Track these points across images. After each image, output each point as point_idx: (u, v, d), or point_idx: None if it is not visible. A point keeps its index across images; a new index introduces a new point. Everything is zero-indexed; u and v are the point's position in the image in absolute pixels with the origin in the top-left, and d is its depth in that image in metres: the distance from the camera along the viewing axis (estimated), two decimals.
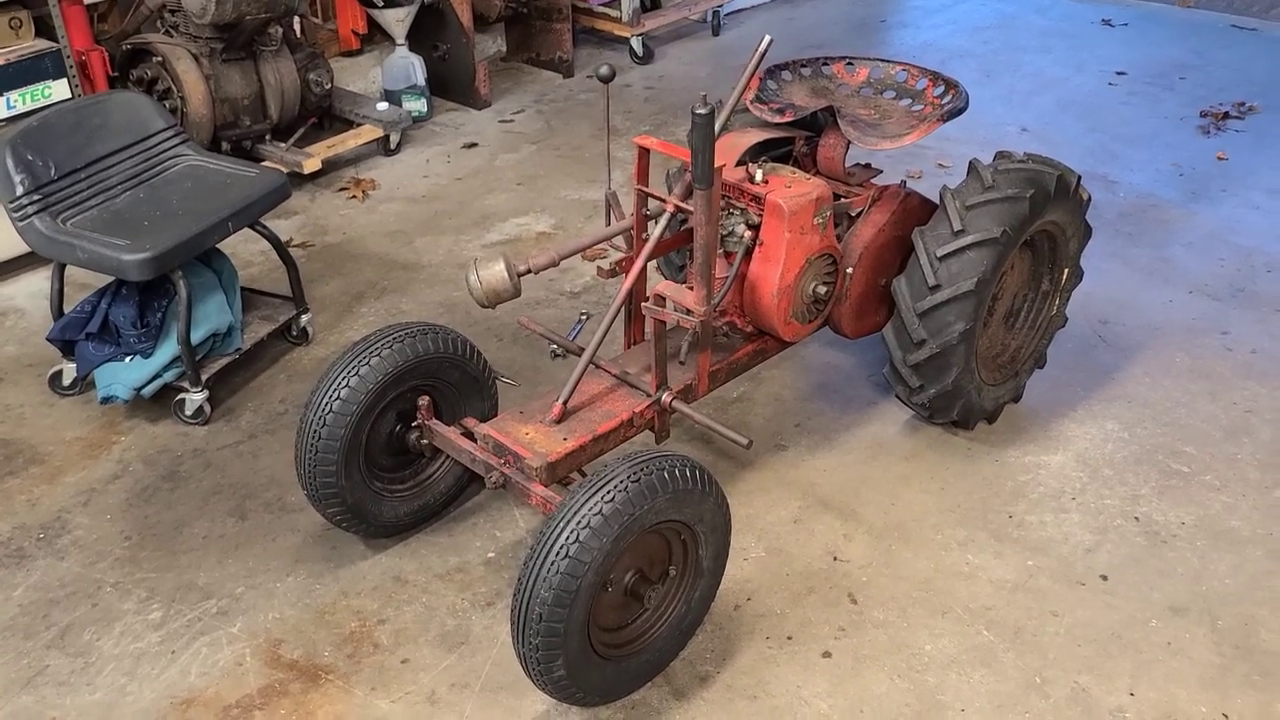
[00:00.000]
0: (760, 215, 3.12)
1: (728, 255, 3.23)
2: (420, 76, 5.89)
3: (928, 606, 2.96)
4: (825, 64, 3.70)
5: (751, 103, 3.48)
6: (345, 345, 3.55)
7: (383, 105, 5.55)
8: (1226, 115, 5.95)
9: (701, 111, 2.49)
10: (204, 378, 3.65)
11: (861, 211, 3.40)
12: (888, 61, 3.68)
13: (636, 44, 6.75)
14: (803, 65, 3.69)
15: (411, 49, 5.89)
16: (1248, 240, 4.77)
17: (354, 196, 5.20)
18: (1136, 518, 3.28)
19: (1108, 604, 2.99)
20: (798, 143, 3.53)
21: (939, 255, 3.19)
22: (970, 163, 3.32)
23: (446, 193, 5.27)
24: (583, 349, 3.04)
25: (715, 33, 7.29)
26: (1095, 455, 3.52)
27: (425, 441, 3.07)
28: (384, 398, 2.93)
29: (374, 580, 3.07)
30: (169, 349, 3.60)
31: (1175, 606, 2.98)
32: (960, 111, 3.36)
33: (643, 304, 2.95)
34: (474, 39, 6.03)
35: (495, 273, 2.93)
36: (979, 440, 3.57)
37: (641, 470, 2.45)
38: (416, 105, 5.89)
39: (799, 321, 3.25)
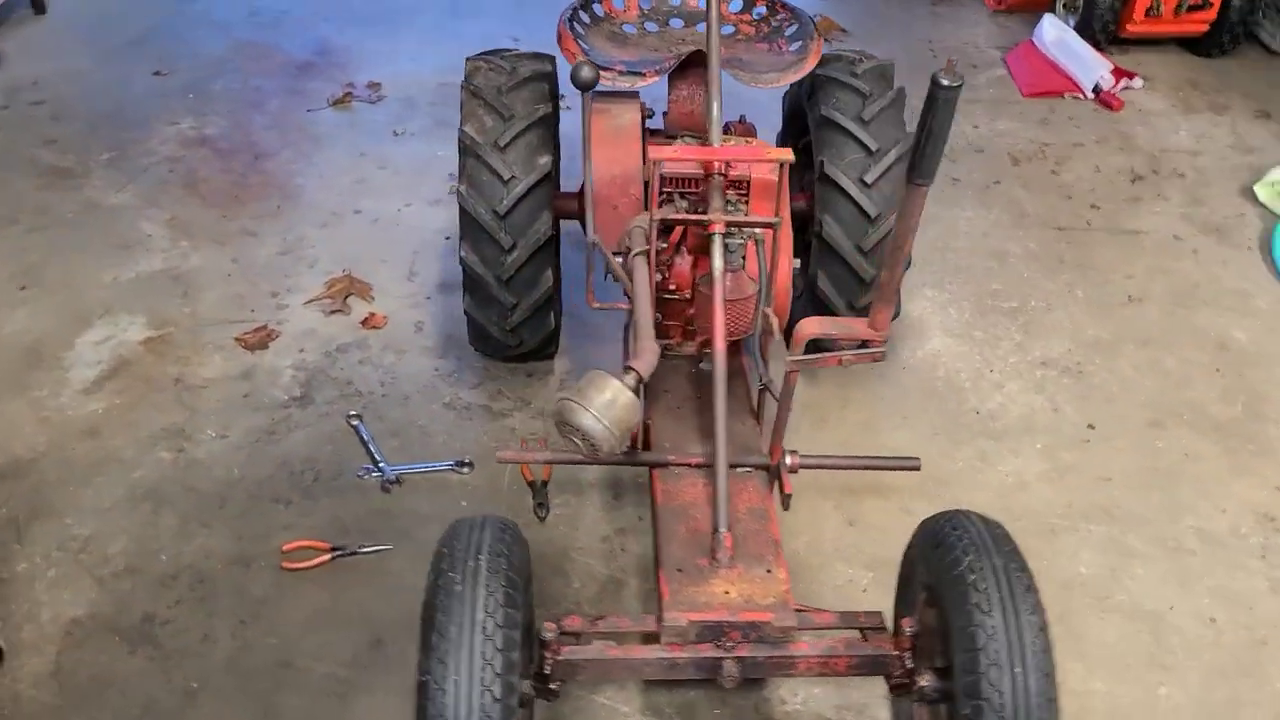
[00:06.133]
0: (743, 197, 2.49)
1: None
2: None
3: None
4: (594, 3, 3.00)
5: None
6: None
7: None
8: None
9: (949, 84, 1.82)
10: None
11: None
12: None
13: None
14: (580, 10, 2.94)
15: None
16: None
17: None
18: None
19: None
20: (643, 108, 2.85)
21: (869, 182, 2.87)
22: (819, 78, 2.96)
23: None
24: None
25: (41, 9, 5.43)
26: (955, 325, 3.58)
27: (554, 684, 2.02)
28: None
29: None
30: None
31: None
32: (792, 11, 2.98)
33: (789, 359, 2.19)
34: None
35: (622, 403, 1.95)
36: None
37: (990, 530, 1.99)
38: None
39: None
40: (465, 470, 2.96)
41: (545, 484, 2.90)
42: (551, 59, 3.01)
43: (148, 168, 4.28)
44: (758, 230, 2.40)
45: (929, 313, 3.61)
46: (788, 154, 2.22)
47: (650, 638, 2.08)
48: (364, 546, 2.73)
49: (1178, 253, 4.00)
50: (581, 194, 3.16)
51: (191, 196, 4.11)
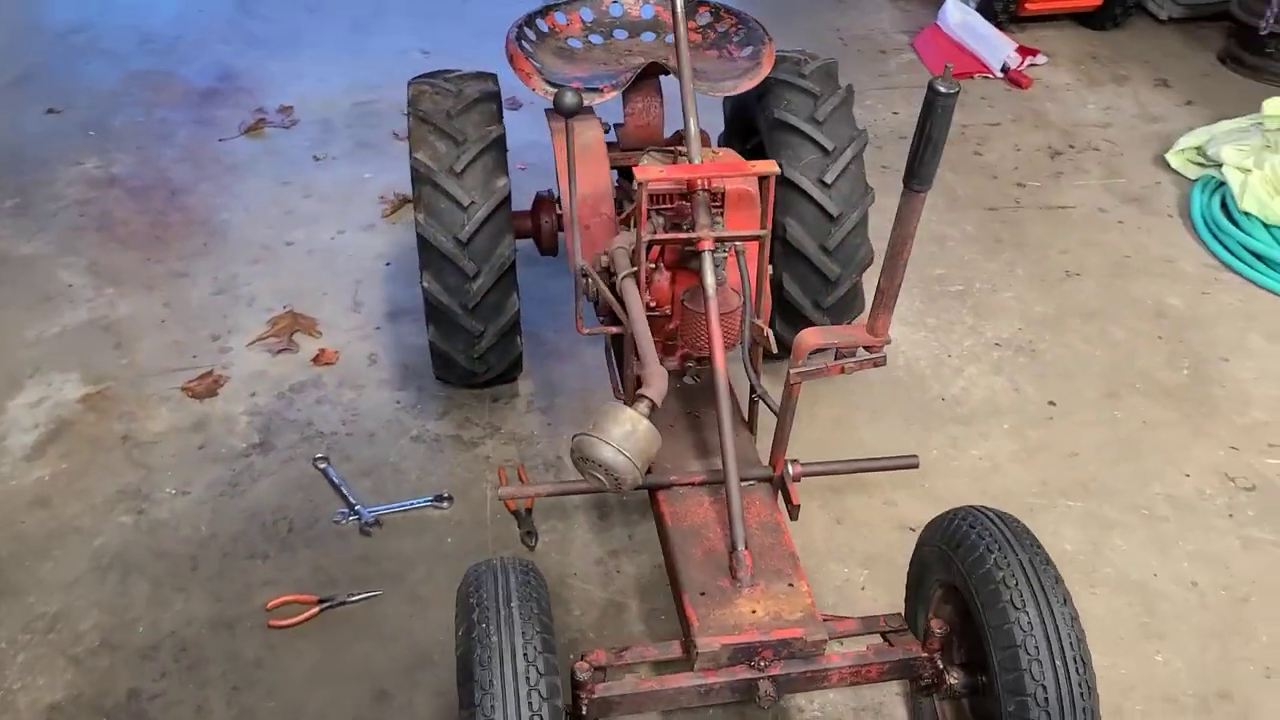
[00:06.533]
0: (719, 210, 2.47)
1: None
2: None
3: None
4: (537, 19, 2.94)
5: (547, 91, 2.66)
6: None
7: None
8: None
9: (946, 90, 1.83)
10: None
11: None
12: None
13: None
14: (525, 28, 2.89)
15: None
16: None
17: None
18: None
19: None
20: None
21: (829, 182, 2.88)
22: (768, 80, 2.95)
23: None
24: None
25: None
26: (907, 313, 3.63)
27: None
28: None
29: None
30: None
31: None
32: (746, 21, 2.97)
33: (792, 372, 2.17)
34: None
35: (641, 433, 1.91)
36: None
37: (1009, 525, 2.01)
38: None
39: None
40: (445, 505, 2.89)
41: (529, 512, 2.85)
42: (494, 77, 2.95)
43: (57, 213, 4.07)
44: (738, 242, 2.38)
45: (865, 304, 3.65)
46: (773, 166, 2.21)
47: (680, 664, 2.06)
48: (352, 595, 2.64)
49: (1104, 225, 4.13)
50: (534, 213, 3.11)
51: (109, 240, 3.92)
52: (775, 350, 2.33)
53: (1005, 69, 5.15)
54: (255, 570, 2.71)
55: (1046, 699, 1.81)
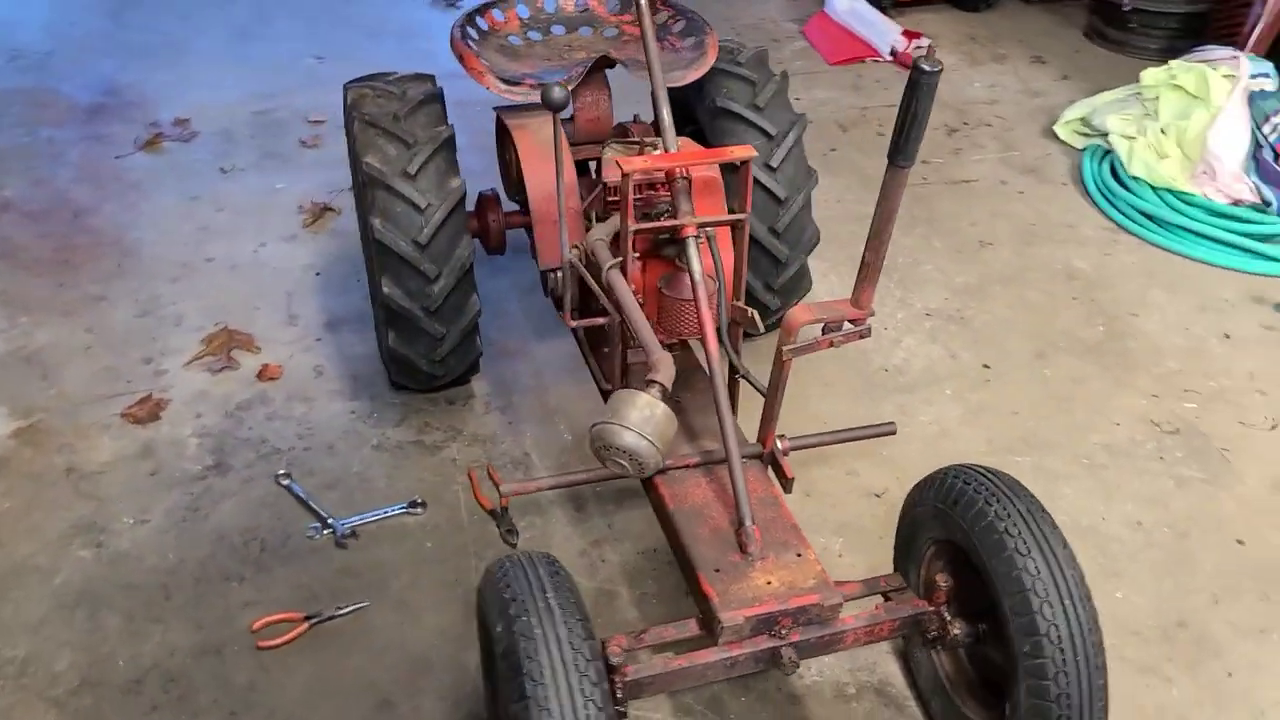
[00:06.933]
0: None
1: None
2: None
3: None
4: (476, 17, 2.94)
5: (503, 89, 2.68)
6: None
7: None
8: None
9: (929, 69, 1.92)
10: None
11: None
12: None
13: None
14: (467, 27, 2.89)
15: None
16: None
17: None
18: None
19: None
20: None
21: (774, 166, 2.97)
22: (712, 67, 3.03)
23: None
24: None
25: None
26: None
27: (623, 707, 2.02)
28: None
29: None
30: None
31: None
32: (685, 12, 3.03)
33: (785, 349, 2.23)
34: None
35: (659, 416, 1.95)
36: None
37: (1002, 479, 2.13)
38: None
39: None
40: (419, 511, 2.86)
41: (506, 510, 2.85)
42: (433, 79, 2.93)
43: None
44: (709, 228, 2.44)
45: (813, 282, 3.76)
46: (751, 151, 2.27)
47: (697, 642, 2.10)
48: (340, 608, 2.60)
49: (1007, 196, 4.34)
50: (479, 213, 3.11)
51: (15, 268, 3.74)
52: (762, 330, 2.39)
53: (894, 52, 5.35)
54: (233, 593, 2.64)
55: (1059, 636, 1.92)
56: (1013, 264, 3.92)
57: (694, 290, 2.28)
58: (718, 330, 2.36)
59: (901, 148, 2.01)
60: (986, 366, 3.44)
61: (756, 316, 2.35)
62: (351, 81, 2.93)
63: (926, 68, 1.91)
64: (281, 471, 2.94)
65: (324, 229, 3.96)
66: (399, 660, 2.50)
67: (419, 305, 2.79)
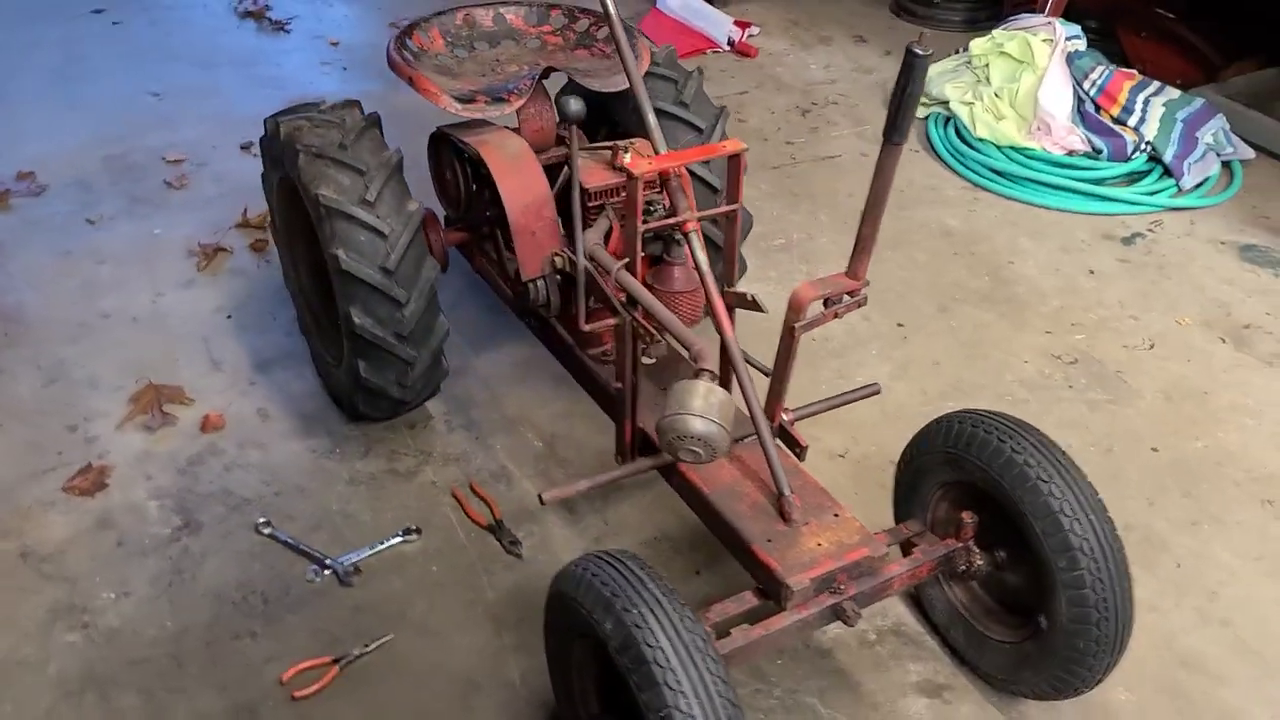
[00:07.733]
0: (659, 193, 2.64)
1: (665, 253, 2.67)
2: None
3: None
4: (406, 40, 2.94)
5: (460, 108, 2.70)
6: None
7: None
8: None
9: (922, 52, 2.09)
10: None
11: None
12: (448, 12, 3.08)
13: None
14: (403, 51, 2.88)
15: None
16: None
17: None
18: None
19: None
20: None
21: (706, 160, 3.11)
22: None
23: None
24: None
25: None
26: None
27: None
28: None
29: None
30: None
31: None
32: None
33: (796, 326, 2.37)
34: None
35: (720, 400, 2.05)
36: None
37: (1005, 417, 2.38)
38: None
39: None
40: (415, 537, 2.85)
41: (501, 522, 2.88)
42: (359, 104, 2.91)
43: None
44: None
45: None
46: (740, 145, 2.40)
47: (759, 611, 2.22)
48: (366, 645, 2.57)
49: (870, 167, 4.61)
50: (424, 232, 3.09)
51: None
52: (766, 310, 2.53)
53: (731, 42, 5.59)
54: (249, 650, 2.56)
55: (1092, 549, 2.16)
56: (894, 229, 4.21)
57: (702, 279, 2.40)
58: (714, 318, 2.48)
59: (897, 125, 2.19)
60: (900, 325, 3.70)
61: (758, 298, 2.48)
62: (275, 114, 2.86)
63: (920, 52, 2.09)
64: (261, 520, 2.85)
65: (220, 270, 3.81)
66: (444, 685, 2.50)
67: (391, 331, 2.77)
